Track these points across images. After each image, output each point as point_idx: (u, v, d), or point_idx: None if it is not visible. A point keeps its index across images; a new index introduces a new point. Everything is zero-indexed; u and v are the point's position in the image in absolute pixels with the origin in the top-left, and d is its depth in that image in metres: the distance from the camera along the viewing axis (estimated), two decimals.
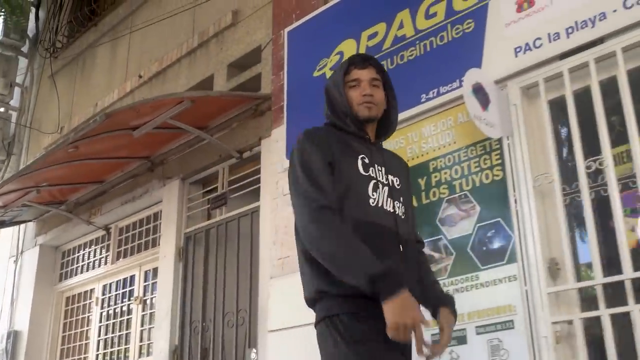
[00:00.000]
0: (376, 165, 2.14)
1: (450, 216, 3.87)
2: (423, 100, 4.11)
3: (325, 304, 1.98)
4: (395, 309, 1.79)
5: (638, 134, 3.19)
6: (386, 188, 2.12)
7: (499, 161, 3.69)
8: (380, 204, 2.07)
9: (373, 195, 2.06)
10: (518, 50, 3.71)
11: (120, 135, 5.52)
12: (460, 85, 3.79)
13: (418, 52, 4.27)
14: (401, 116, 4.20)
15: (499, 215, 3.62)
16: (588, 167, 3.34)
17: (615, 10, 3.35)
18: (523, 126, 3.59)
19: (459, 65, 3.92)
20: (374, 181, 2.09)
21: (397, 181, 2.20)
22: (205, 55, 6.38)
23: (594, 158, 3.34)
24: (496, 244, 3.61)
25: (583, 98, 3.45)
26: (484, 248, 3.66)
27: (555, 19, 3.58)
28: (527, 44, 3.67)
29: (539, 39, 3.62)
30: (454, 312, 2.20)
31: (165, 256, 6.08)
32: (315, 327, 2.02)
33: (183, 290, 5.86)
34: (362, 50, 4.63)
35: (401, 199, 2.17)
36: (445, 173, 3.96)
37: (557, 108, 3.60)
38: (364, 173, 2.08)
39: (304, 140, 2.11)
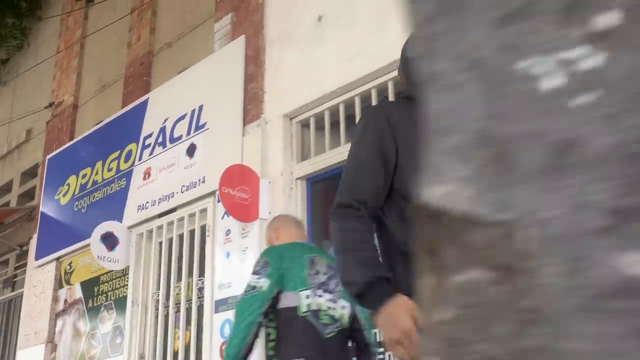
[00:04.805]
0: None
1: (103, 317, 5.66)
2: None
3: None
4: (384, 323, 1.52)
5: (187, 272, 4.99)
6: None
7: (126, 282, 5.48)
8: None
9: None
10: (139, 207, 5.50)
11: None
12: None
13: (101, 195, 6.05)
14: (84, 242, 5.97)
15: (122, 320, 5.41)
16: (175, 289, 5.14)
17: (177, 192, 5.15)
18: (134, 260, 5.39)
19: (113, 212, 5.70)
20: None
21: None
22: (10, 162, 8.12)
23: (178, 284, 5.13)
24: (118, 340, 5.40)
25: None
26: (114, 342, 5.44)
27: (156, 190, 5.37)
28: (143, 204, 5.46)
29: (148, 202, 5.42)
30: None
31: None
32: None
33: None
34: (77, 188, 6.40)
35: None
36: (105, 286, 5.74)
37: (164, 246, 5.39)
38: None
39: (360, 123, 1.81)
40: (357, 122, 1.85)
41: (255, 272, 2.74)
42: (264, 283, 2.67)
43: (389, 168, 1.69)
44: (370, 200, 1.67)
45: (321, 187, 4.56)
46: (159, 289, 5.26)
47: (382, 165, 1.69)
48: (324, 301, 2.75)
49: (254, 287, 2.67)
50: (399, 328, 1.47)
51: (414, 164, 1.56)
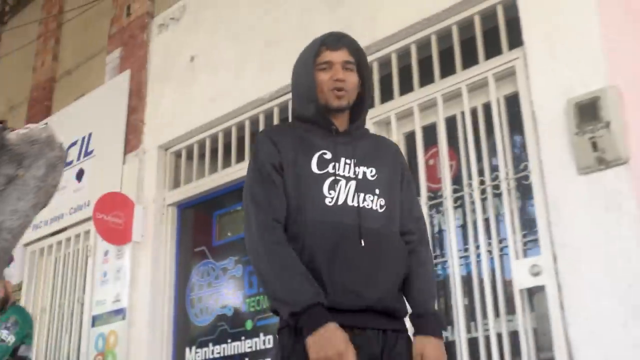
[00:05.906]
0: (343, 159, 1.95)
1: None
2: None
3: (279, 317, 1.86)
4: (316, 344, 1.67)
5: None
6: (352, 182, 1.92)
7: (20, 297, 5.88)
8: (342, 202, 1.89)
9: (330, 194, 1.89)
10: (34, 225, 5.89)
11: None
12: None
13: None
14: None
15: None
16: None
17: (67, 214, 5.56)
18: (27, 276, 5.79)
19: None
20: (332, 178, 1.91)
21: (371, 172, 1.97)
22: None
23: (63, 300, 5.55)
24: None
25: None
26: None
27: (49, 210, 5.78)
28: (38, 223, 5.86)
29: (42, 221, 5.82)
30: (438, 340, 1.88)
31: None
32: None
33: None
34: None
35: (377, 190, 1.95)
36: None
37: None
38: (318, 172, 1.92)
39: (254, 146, 2.00)
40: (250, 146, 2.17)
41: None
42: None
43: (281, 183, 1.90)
44: (282, 220, 1.86)
45: (190, 212, 5.03)
46: (50, 303, 5.66)
47: (279, 179, 1.90)
48: None
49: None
50: (336, 349, 1.65)
51: (296, 178, 1.89)
